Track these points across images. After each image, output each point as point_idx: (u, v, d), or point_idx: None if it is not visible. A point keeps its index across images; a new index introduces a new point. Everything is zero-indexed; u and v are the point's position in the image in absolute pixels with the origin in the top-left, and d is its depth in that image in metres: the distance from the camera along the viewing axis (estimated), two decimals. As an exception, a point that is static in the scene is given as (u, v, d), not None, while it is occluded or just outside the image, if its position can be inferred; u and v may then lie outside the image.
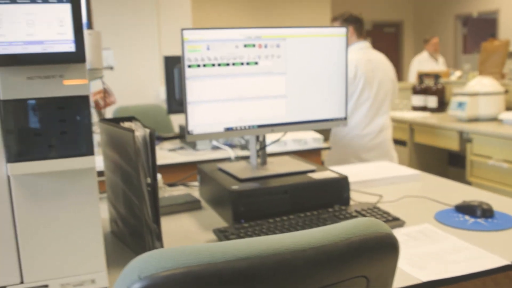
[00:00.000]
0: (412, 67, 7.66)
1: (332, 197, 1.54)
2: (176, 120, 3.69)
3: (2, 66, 0.95)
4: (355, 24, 3.27)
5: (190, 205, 1.63)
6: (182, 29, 1.45)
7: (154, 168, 1.18)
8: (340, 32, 1.66)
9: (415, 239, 1.32)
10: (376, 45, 3.80)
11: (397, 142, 4.64)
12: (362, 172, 1.97)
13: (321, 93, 1.65)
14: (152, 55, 5.02)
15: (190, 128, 1.50)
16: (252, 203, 1.44)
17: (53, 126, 1.00)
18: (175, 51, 4.91)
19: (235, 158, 2.58)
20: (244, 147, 2.75)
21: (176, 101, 2.99)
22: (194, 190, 1.89)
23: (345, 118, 1.71)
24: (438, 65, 7.60)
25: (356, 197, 1.69)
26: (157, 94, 5.00)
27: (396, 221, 1.42)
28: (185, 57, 1.46)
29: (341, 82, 1.68)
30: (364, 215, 1.43)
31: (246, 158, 2.54)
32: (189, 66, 1.47)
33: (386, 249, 0.79)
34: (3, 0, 0.93)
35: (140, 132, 1.17)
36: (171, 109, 3.02)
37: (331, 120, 1.69)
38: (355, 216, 1.42)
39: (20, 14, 0.94)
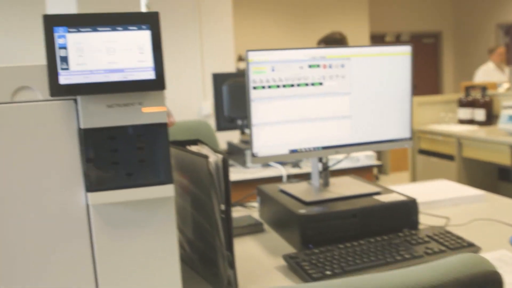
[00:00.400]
0: (477, 79, 7.11)
1: (400, 220, 1.49)
2: (222, 136, 3.68)
3: (83, 95, 0.94)
4: (338, 44, 3.52)
5: (253, 228, 1.61)
6: (247, 51, 1.43)
7: (228, 195, 1.15)
8: (405, 50, 1.62)
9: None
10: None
11: (444, 156, 4.53)
12: (422, 192, 1.92)
13: (385, 113, 1.61)
14: (194, 70, 5.04)
15: (255, 150, 1.48)
16: (321, 228, 1.40)
17: (131, 154, 0.98)
18: (217, 66, 4.93)
19: (287, 176, 2.55)
20: (295, 164, 2.72)
21: (225, 118, 2.97)
22: (252, 211, 1.86)
23: (411, 138, 1.66)
24: (504, 76, 6.98)
25: (422, 219, 1.64)
26: (199, 109, 5.01)
27: (472, 247, 1.36)
28: (250, 78, 1.44)
29: (406, 101, 1.63)
30: (437, 241, 1.38)
31: (297, 176, 2.51)
32: (254, 88, 1.45)
33: (493, 287, 0.75)
34: (84, 28, 0.93)
35: (212, 158, 1.15)
36: (220, 126, 3.02)
37: (396, 140, 1.65)
38: (428, 242, 1.37)
39: (101, 42, 0.93)
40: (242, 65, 7.12)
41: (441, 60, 11.34)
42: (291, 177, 2.52)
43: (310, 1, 8.56)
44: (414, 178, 5.04)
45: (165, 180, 0.99)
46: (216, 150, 1.22)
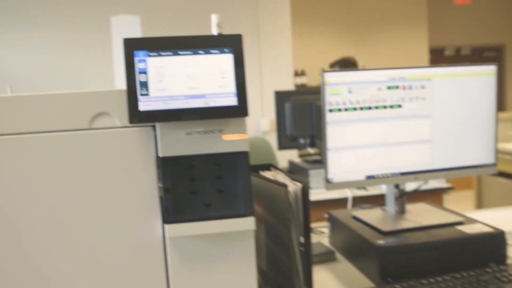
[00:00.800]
0: None
1: (486, 254, 1.38)
2: (282, 155, 3.61)
3: (163, 122, 0.89)
4: (350, 67, 3.60)
5: (324, 257, 1.53)
6: (323, 72, 1.36)
7: (307, 227, 1.09)
8: (489, 70, 1.52)
9: None
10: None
11: (507, 175, 4.33)
12: (503, 220, 1.79)
13: (468, 137, 1.51)
14: (252, 86, 5.01)
15: (330, 176, 1.41)
16: (400, 260, 1.31)
17: (210, 184, 0.93)
18: (275, 82, 4.88)
19: (353, 198, 2.45)
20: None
21: (287, 136, 2.91)
22: (322, 236, 1.78)
23: (495, 164, 1.55)
24: None
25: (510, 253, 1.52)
26: (257, 126, 4.97)
27: None
28: (326, 101, 1.37)
29: (490, 124, 1.53)
30: (531, 278, 1.26)
31: (364, 198, 2.42)
32: (330, 111, 1.38)
33: None
34: (165, 52, 0.88)
35: (292, 186, 1.09)
36: (281, 145, 2.96)
37: (479, 166, 1.54)
38: (520, 279, 1.26)
39: (182, 66, 0.89)
40: (298, 80, 7.07)
41: (504, 74, 10.96)
42: (357, 200, 2.43)
43: (368, 15, 8.43)
44: (479, 199, 4.83)
45: (246, 212, 0.93)
46: (293, 178, 1.15)
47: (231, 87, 0.90)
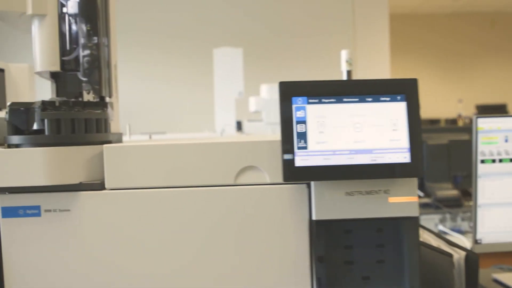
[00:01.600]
0: None
1: None
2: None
3: (322, 180, 0.76)
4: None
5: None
6: (476, 117, 1.19)
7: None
8: None
9: None
10: None
11: None
12: None
13: None
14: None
15: (478, 236, 1.23)
16: None
17: (369, 253, 0.79)
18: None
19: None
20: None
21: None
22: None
23: None
24: None
25: None
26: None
27: None
28: (478, 150, 1.20)
29: None
30: None
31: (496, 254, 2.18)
32: (482, 162, 1.20)
33: None
34: (327, 98, 0.76)
35: (455, 255, 0.92)
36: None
37: None
38: None
39: (347, 115, 0.76)
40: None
41: None
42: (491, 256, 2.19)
43: (465, 47, 8.08)
44: None
45: (413, 289, 0.78)
46: (450, 243, 0.99)
47: (404, 141, 0.76)
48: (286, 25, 4.75)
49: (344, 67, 1.52)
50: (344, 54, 1.50)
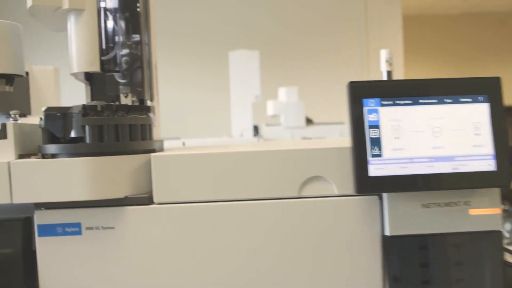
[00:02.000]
0: None
1: None
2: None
3: (399, 191, 0.68)
4: None
5: None
6: None
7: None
8: None
9: None
10: None
11: None
12: None
13: None
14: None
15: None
16: None
17: (447, 272, 0.70)
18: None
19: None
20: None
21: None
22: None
23: None
24: None
25: None
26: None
27: None
28: None
29: None
30: None
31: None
32: None
33: None
34: (403, 100, 0.67)
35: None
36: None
37: None
38: None
39: (425, 119, 0.67)
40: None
41: None
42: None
43: (478, 45, 7.98)
44: None
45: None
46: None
47: (488, 147, 0.67)
48: (302, 27, 4.68)
49: (384, 67, 1.44)
50: (383, 54, 1.41)
